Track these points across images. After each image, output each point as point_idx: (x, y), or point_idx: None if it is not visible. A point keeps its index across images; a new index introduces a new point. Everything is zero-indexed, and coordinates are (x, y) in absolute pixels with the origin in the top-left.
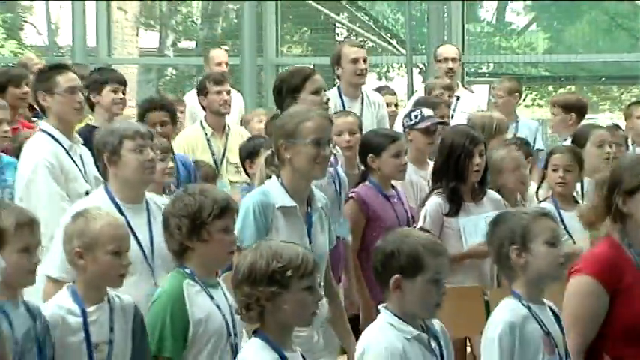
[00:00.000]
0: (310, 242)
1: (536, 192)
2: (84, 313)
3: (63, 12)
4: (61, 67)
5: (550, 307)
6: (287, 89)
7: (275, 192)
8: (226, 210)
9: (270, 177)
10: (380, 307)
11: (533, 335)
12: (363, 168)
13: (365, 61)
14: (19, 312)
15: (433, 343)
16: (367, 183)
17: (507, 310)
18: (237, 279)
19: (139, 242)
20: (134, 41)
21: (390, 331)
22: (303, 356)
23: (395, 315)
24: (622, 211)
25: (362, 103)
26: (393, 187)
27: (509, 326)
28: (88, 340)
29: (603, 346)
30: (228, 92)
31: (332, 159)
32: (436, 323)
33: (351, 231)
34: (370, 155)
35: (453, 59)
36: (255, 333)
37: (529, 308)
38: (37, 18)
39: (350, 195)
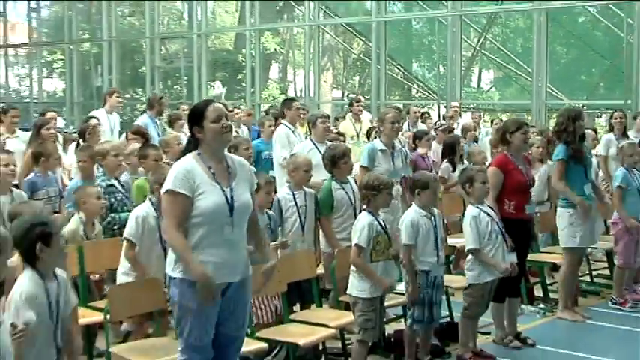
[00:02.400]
0: (393, 163)
1: None
2: (294, 195)
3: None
4: (291, 99)
5: (488, 206)
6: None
7: (377, 143)
8: (344, 154)
9: (375, 138)
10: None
11: (484, 219)
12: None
13: (417, 112)
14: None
15: (433, 219)
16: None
17: (471, 210)
18: (360, 186)
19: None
20: (330, 93)
21: (414, 212)
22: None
23: (417, 206)
24: (508, 140)
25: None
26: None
27: (472, 216)
28: (297, 205)
29: (505, 196)
30: (361, 110)
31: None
32: (436, 211)
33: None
34: (416, 140)
35: (455, 106)
36: (363, 210)
37: (478, 207)
38: (292, 85)
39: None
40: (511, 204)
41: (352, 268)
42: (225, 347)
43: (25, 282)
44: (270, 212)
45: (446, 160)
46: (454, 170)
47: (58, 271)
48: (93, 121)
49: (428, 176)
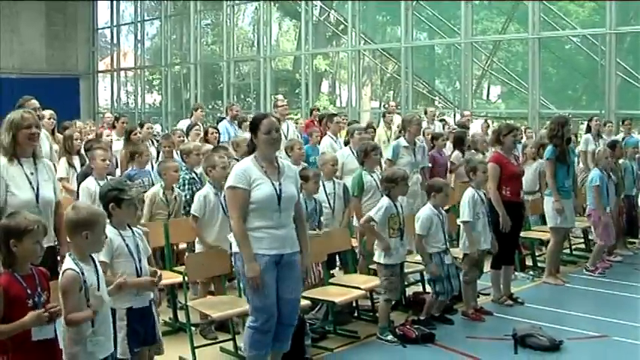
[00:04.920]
0: (415, 157)
1: None
2: (324, 185)
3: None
4: (333, 115)
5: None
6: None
7: (402, 141)
8: (374, 148)
9: (398, 137)
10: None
11: (478, 201)
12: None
13: (432, 111)
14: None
15: (441, 217)
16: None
17: (470, 191)
18: (382, 179)
19: None
20: (369, 104)
21: (429, 209)
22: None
23: (431, 205)
24: (501, 140)
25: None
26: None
27: (470, 196)
28: (326, 193)
29: (502, 183)
30: (392, 120)
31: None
32: (443, 210)
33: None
34: (434, 140)
35: (467, 115)
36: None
37: (476, 191)
38: (338, 98)
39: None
40: (507, 189)
41: (375, 241)
42: (285, 307)
43: None
44: (318, 199)
45: (456, 150)
46: (463, 156)
47: (135, 228)
48: (196, 128)
49: (442, 182)
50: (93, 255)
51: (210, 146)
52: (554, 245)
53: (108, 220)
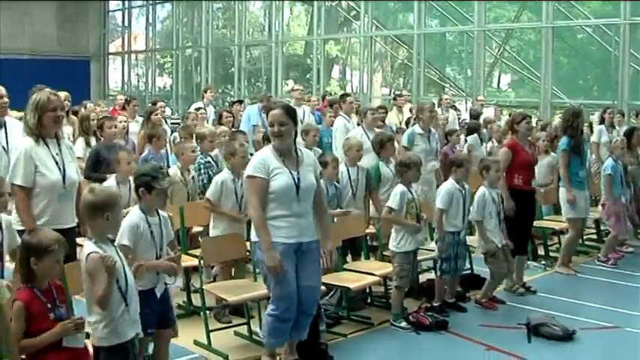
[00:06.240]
0: (430, 145)
1: None
2: (348, 171)
3: (357, 82)
4: (346, 95)
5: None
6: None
7: (416, 128)
8: (390, 138)
9: (413, 124)
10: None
11: (489, 201)
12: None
13: (447, 99)
14: None
15: (463, 192)
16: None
17: (482, 190)
18: (396, 163)
19: None
20: (379, 90)
21: (451, 183)
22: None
23: (453, 180)
24: (516, 128)
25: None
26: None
27: (481, 195)
28: (350, 178)
29: (515, 171)
30: (403, 104)
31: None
32: (466, 185)
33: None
34: (448, 136)
35: (481, 100)
36: (398, 182)
37: (489, 190)
38: (349, 84)
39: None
40: (520, 177)
41: (393, 227)
42: (304, 295)
43: (131, 215)
44: (338, 185)
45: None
46: (482, 144)
47: (161, 212)
48: (201, 111)
49: (463, 157)
50: (114, 238)
51: (224, 128)
52: (573, 237)
53: (137, 205)
